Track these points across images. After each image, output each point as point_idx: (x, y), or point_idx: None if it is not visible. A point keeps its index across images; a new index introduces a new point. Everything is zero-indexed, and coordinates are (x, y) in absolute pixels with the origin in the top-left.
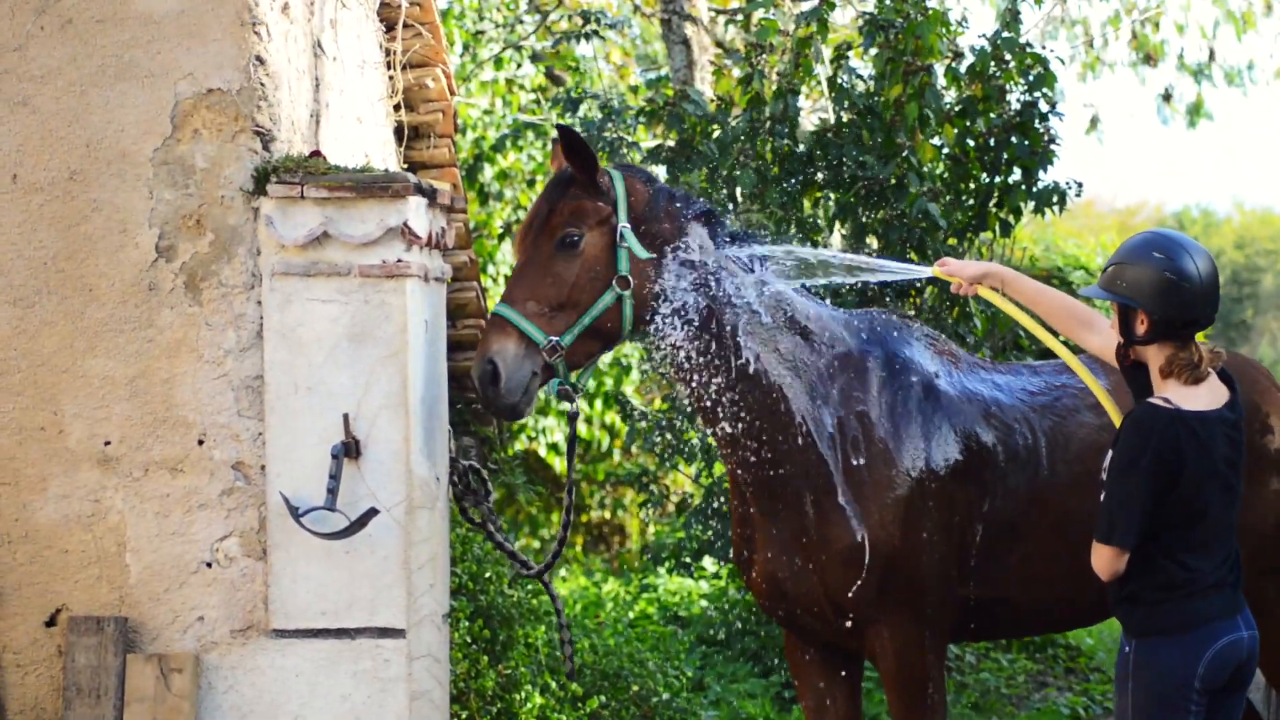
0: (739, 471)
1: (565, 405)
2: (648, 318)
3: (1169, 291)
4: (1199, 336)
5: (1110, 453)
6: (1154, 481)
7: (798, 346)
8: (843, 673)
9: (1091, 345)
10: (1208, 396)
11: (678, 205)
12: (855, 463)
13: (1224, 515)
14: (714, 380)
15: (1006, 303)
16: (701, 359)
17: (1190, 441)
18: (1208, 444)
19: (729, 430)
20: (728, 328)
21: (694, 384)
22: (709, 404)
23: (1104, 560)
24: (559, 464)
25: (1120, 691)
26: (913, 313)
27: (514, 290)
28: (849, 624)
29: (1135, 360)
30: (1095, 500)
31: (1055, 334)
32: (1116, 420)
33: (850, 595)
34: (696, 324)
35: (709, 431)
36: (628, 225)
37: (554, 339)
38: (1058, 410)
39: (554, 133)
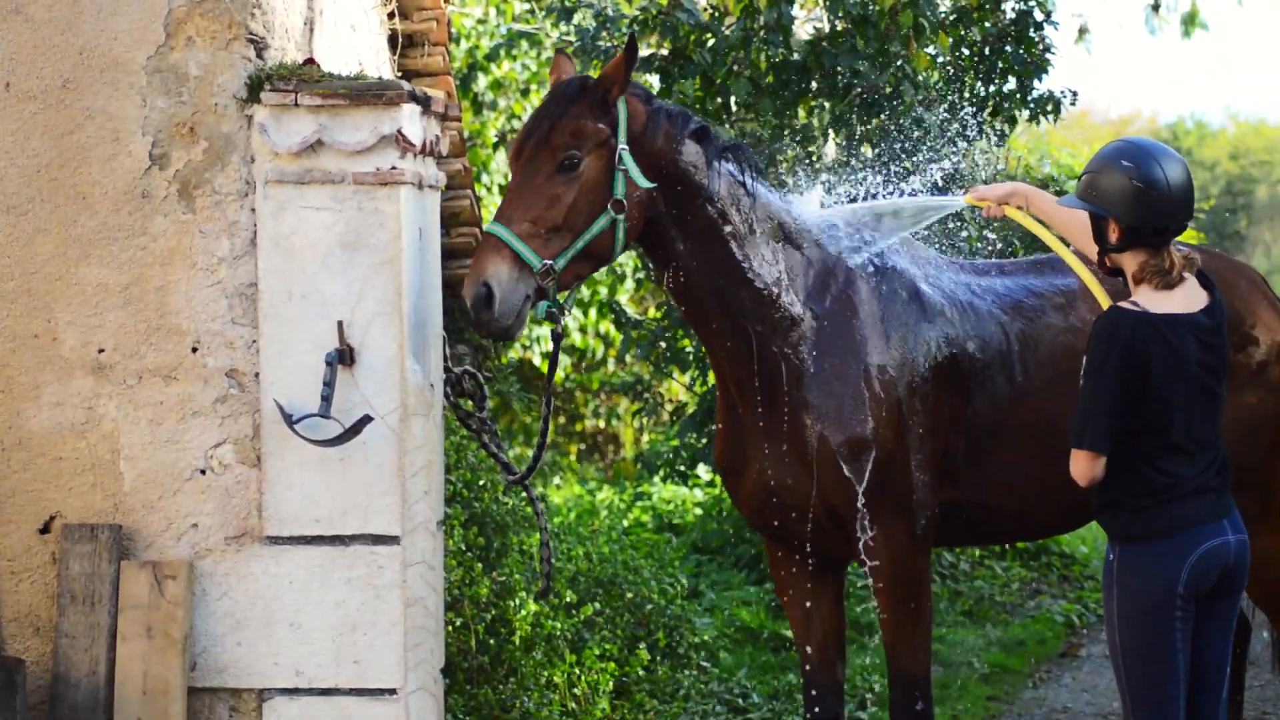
0: (729, 374)
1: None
2: (635, 238)
3: (1137, 199)
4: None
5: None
6: (1121, 384)
7: (788, 253)
8: (827, 580)
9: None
10: (1182, 300)
11: (675, 124)
12: (848, 365)
13: (1203, 420)
14: (709, 288)
15: (1030, 220)
16: (695, 267)
17: (1157, 343)
18: (1177, 347)
19: (719, 328)
20: (721, 238)
21: (687, 294)
22: (701, 306)
23: (1080, 465)
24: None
25: (1107, 598)
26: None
27: (509, 209)
28: (840, 527)
29: (1113, 267)
30: (1068, 403)
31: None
32: (1094, 287)
33: (844, 497)
34: (688, 239)
35: (703, 329)
36: (626, 148)
37: (548, 262)
38: (1025, 312)
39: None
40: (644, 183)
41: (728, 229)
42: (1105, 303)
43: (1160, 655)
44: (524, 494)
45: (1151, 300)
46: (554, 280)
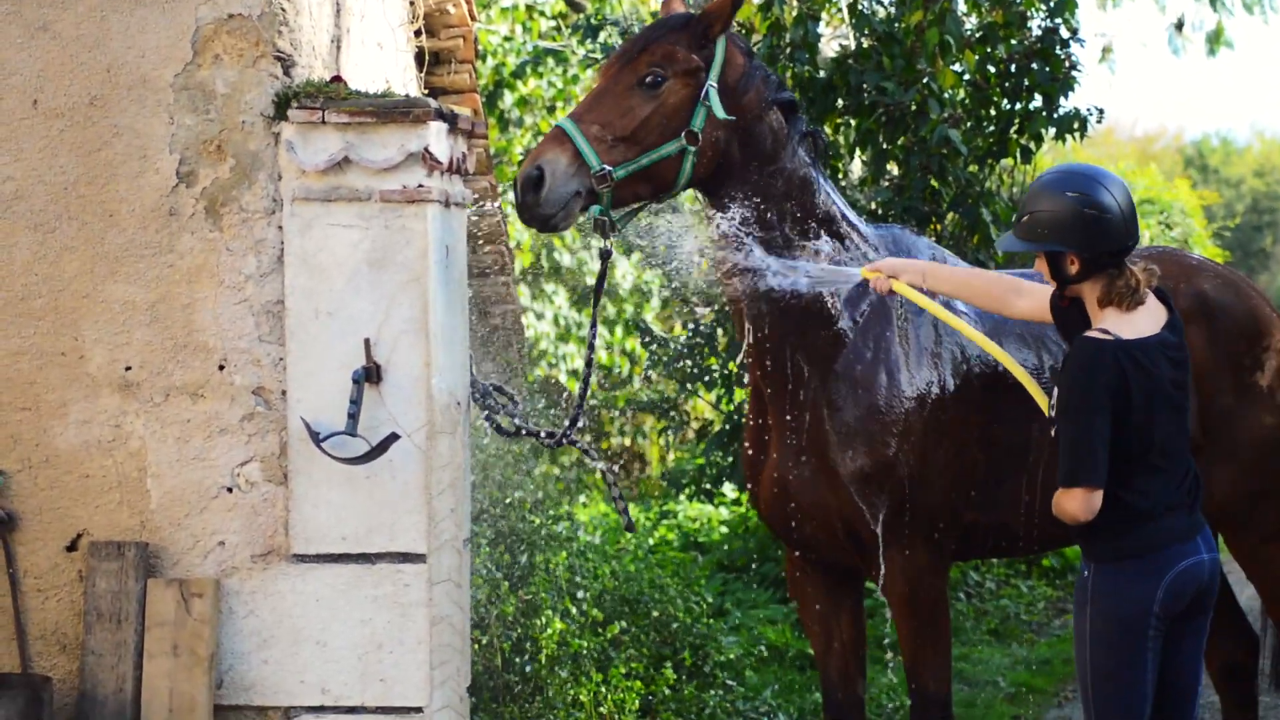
0: (763, 382)
1: (596, 243)
2: (702, 178)
3: (1091, 227)
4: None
5: (1056, 392)
6: (1106, 416)
7: (837, 252)
8: (847, 593)
9: (1021, 309)
10: (1147, 320)
11: (768, 85)
12: (878, 383)
13: (1176, 437)
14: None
15: (920, 296)
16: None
17: (1135, 370)
18: (1152, 370)
19: (761, 332)
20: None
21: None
22: (750, 293)
23: (1076, 502)
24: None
25: (1079, 615)
26: (933, 238)
27: (582, 110)
28: (859, 544)
29: (1072, 299)
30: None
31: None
32: (1039, 399)
33: (864, 515)
34: (752, 203)
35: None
36: (714, 85)
37: (607, 167)
38: (1051, 331)
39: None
40: (723, 115)
41: (790, 205)
42: (1037, 395)
43: (1130, 675)
44: (550, 511)
45: (1120, 325)
46: (609, 188)
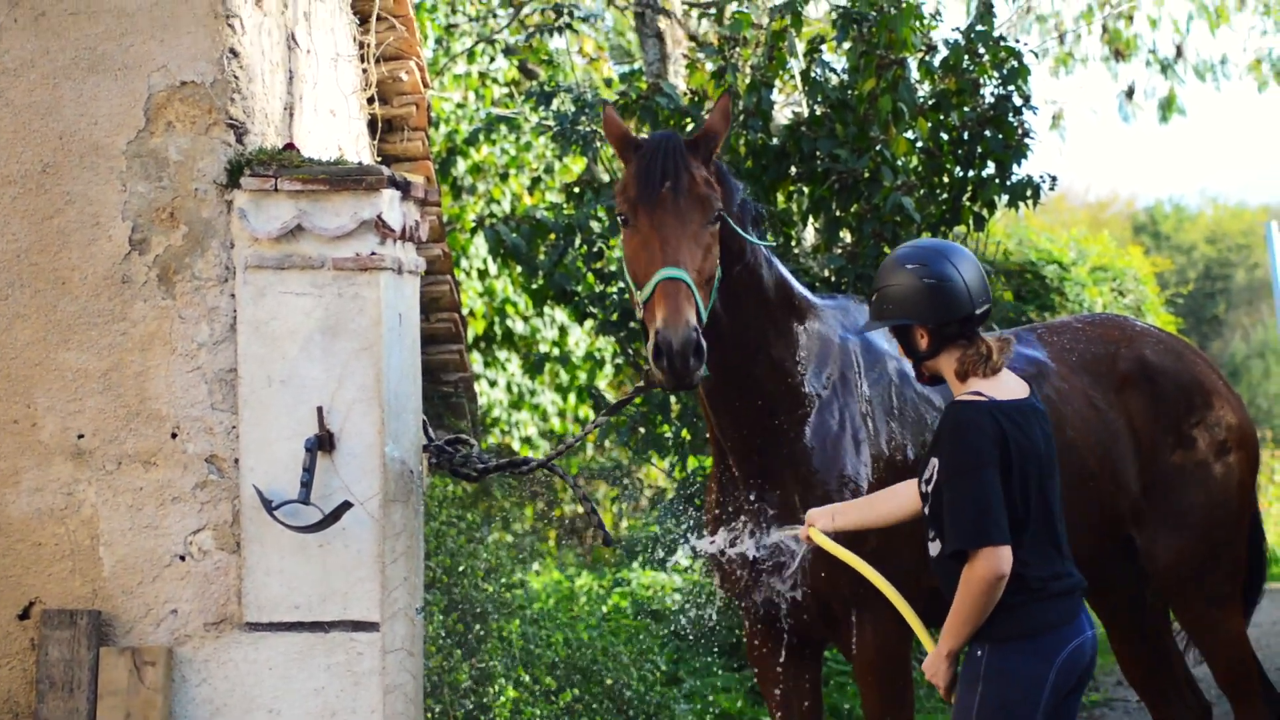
0: (731, 443)
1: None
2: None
3: (933, 297)
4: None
5: (933, 463)
6: (996, 473)
7: (797, 327)
8: (807, 662)
9: (906, 502)
10: (1013, 386)
11: (728, 184)
12: (845, 451)
13: (1056, 508)
14: (734, 346)
15: (828, 541)
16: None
17: (1012, 429)
18: (1027, 430)
19: (731, 394)
20: (756, 301)
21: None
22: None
23: (990, 563)
24: (532, 456)
25: (967, 692)
26: None
27: (680, 256)
28: (825, 613)
29: (932, 375)
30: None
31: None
32: (916, 627)
33: (832, 584)
34: (726, 300)
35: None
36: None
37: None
38: None
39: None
40: (751, 239)
41: (761, 294)
42: (917, 627)
43: None
44: (503, 580)
45: (988, 387)
46: None
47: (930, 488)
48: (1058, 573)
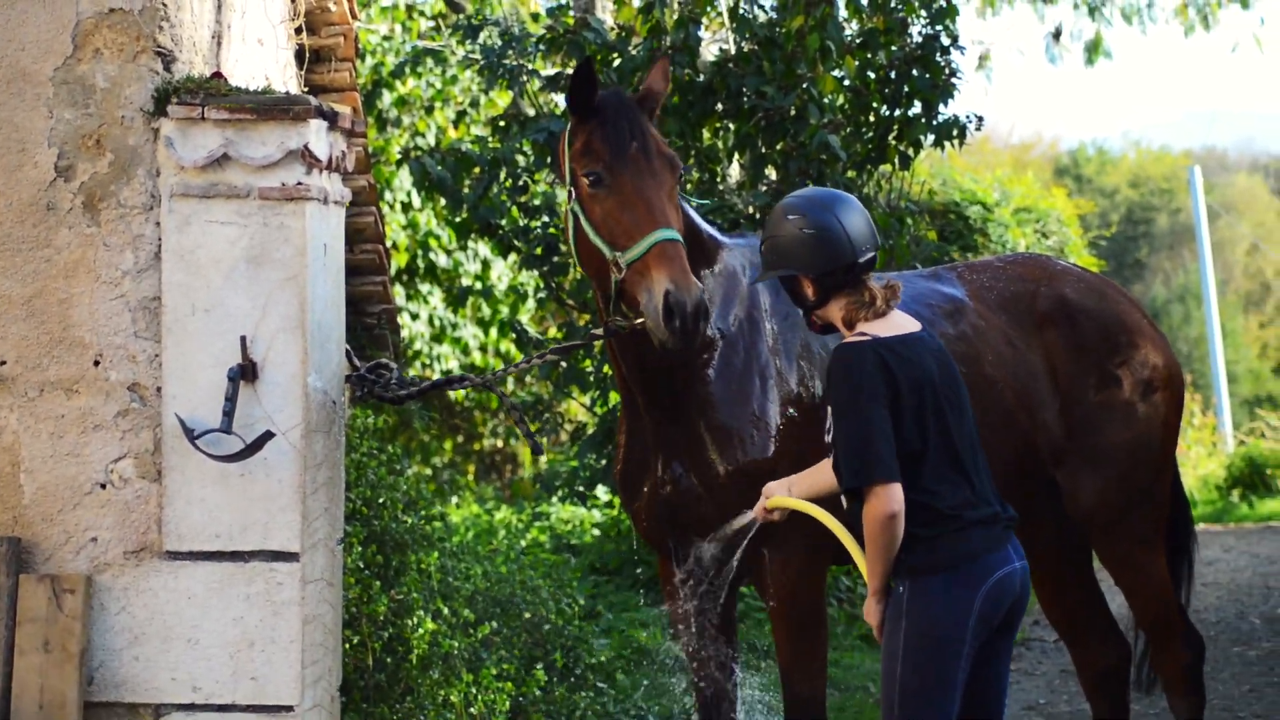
0: (637, 387)
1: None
2: None
3: (815, 246)
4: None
5: (829, 411)
6: (880, 409)
7: (713, 275)
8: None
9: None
10: (901, 323)
11: None
12: (752, 387)
13: (966, 437)
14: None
15: (793, 500)
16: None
17: (898, 363)
18: (916, 362)
19: (642, 346)
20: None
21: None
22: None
23: (880, 502)
24: (452, 393)
25: (892, 630)
26: None
27: (670, 216)
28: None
29: (823, 324)
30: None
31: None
32: (854, 552)
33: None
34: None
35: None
36: None
37: None
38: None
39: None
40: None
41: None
42: (836, 529)
43: (941, 695)
44: (423, 512)
45: (875, 328)
46: None
47: (830, 436)
48: (970, 500)
